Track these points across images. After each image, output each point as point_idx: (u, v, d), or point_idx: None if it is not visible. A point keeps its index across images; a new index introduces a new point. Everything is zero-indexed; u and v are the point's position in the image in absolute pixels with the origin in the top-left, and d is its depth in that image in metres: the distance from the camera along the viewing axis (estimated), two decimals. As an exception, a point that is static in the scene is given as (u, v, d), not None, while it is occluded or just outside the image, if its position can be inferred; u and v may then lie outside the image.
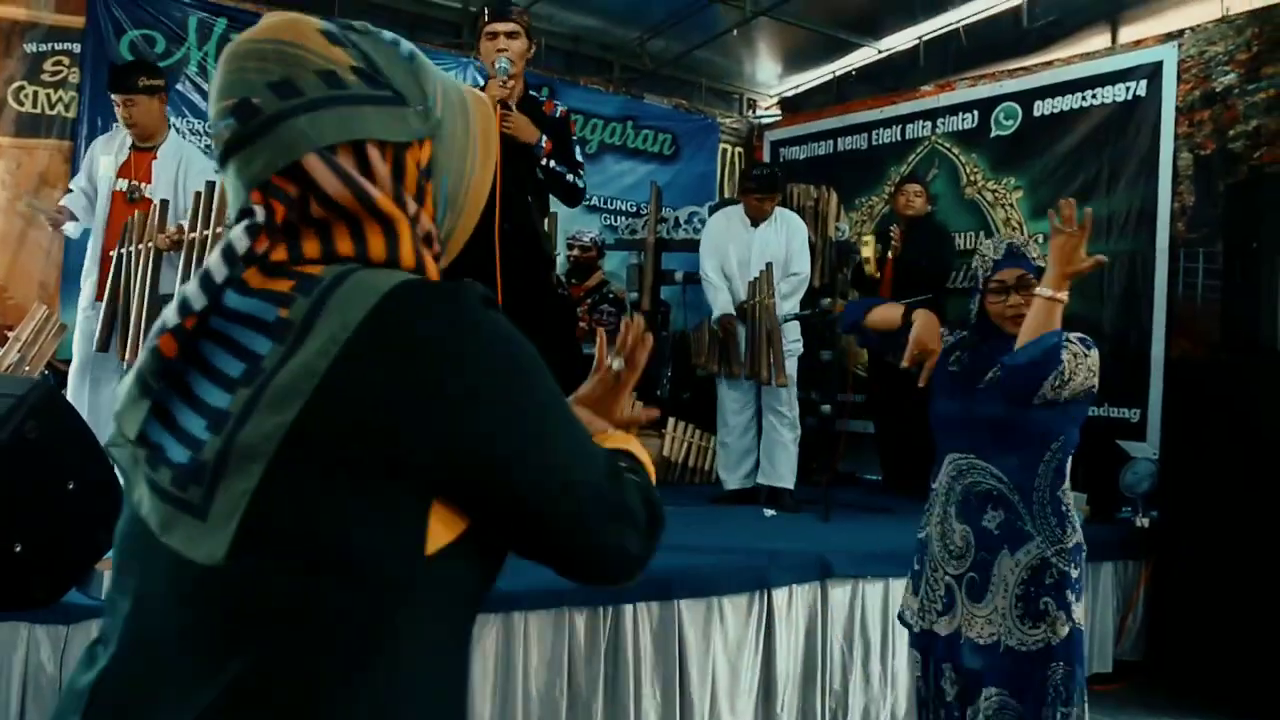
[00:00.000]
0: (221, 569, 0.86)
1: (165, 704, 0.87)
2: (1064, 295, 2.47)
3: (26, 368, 5.38)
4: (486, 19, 3.97)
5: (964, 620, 2.64)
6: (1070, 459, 2.65)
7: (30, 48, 6.08)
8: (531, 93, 4.13)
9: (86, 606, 2.61)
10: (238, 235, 0.96)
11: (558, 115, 4.10)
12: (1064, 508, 2.61)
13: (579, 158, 4.11)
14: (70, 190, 4.87)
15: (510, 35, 3.93)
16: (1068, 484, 2.65)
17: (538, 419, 0.96)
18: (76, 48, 6.19)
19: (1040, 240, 5.25)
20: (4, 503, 2.17)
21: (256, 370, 0.89)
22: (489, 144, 1.12)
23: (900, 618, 2.86)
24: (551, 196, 4.19)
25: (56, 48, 6.16)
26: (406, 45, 1.05)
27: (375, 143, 0.98)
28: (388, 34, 1.05)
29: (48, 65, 6.13)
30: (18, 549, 2.18)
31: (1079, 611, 2.60)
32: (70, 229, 4.88)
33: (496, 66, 3.87)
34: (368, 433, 0.87)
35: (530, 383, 0.96)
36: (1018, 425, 2.57)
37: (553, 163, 3.97)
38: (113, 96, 4.61)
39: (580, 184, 4.11)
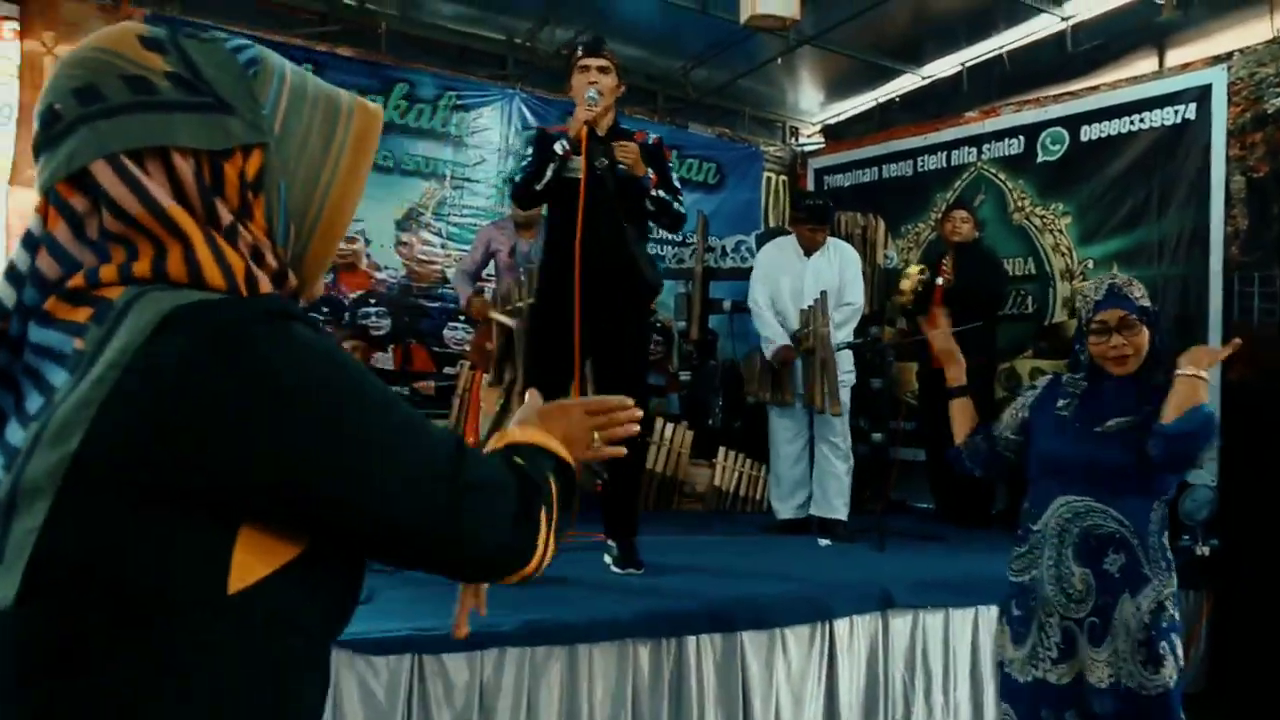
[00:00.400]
0: (12, 613, 0.82)
1: None
2: (1206, 374, 2.52)
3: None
4: (580, 54, 4.08)
5: (1086, 665, 2.61)
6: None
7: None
8: (623, 126, 4.19)
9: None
10: (17, 252, 0.93)
11: (651, 143, 4.15)
12: (1168, 552, 2.63)
13: (675, 183, 4.16)
14: None
15: (601, 70, 4.03)
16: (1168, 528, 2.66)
17: (337, 426, 0.90)
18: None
19: (1096, 266, 5.22)
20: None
21: (49, 405, 0.86)
22: (361, 157, 1.07)
23: (1002, 667, 2.82)
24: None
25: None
26: (252, 53, 1.01)
27: (183, 151, 0.93)
28: (236, 41, 1.02)
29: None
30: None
31: (1181, 653, 2.61)
32: None
33: (586, 96, 3.96)
34: (147, 463, 0.83)
35: (326, 389, 0.91)
36: (1140, 473, 2.57)
37: (660, 192, 4.03)
38: None
39: (682, 210, 4.16)
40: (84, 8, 6.21)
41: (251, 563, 0.88)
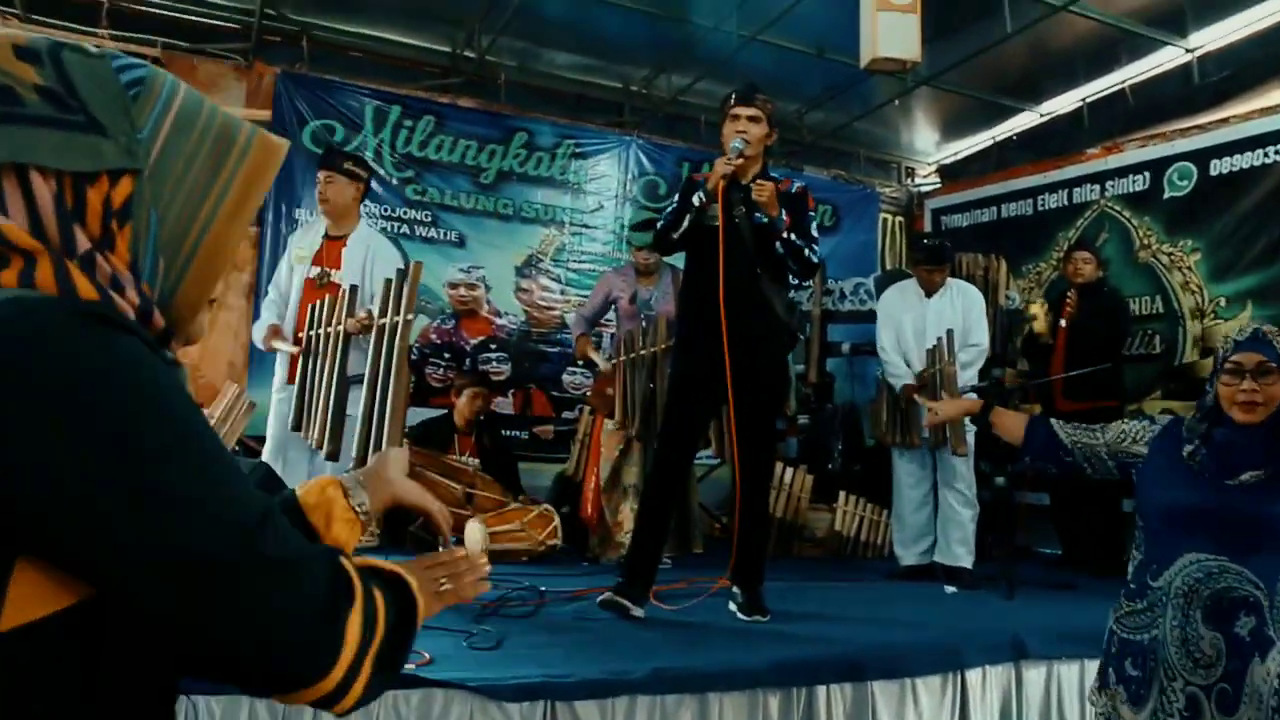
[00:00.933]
0: None
1: None
2: None
3: (221, 446, 5.64)
4: (732, 103, 4.09)
5: None
6: None
7: (222, 142, 6.43)
8: (772, 174, 4.21)
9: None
10: None
11: (795, 191, 4.17)
12: None
13: (814, 232, 4.18)
14: (269, 292, 5.08)
15: (752, 119, 4.04)
16: None
17: (123, 459, 0.79)
18: (263, 140, 6.52)
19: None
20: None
21: None
22: (250, 193, 0.99)
23: None
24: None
25: (245, 141, 6.50)
26: (139, 73, 0.94)
27: (44, 170, 0.87)
28: (125, 60, 0.95)
29: (237, 157, 6.46)
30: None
31: None
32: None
33: (731, 146, 3.99)
34: None
35: (124, 413, 0.80)
36: (1271, 531, 2.43)
37: (792, 236, 4.04)
38: (322, 175, 4.81)
39: (815, 258, 4.17)
40: (220, 68, 6.51)
41: (29, 600, 0.79)
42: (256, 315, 5.44)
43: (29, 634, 0.79)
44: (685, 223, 4.03)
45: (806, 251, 4.08)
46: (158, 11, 6.50)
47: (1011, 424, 3.03)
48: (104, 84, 0.91)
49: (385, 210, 6.87)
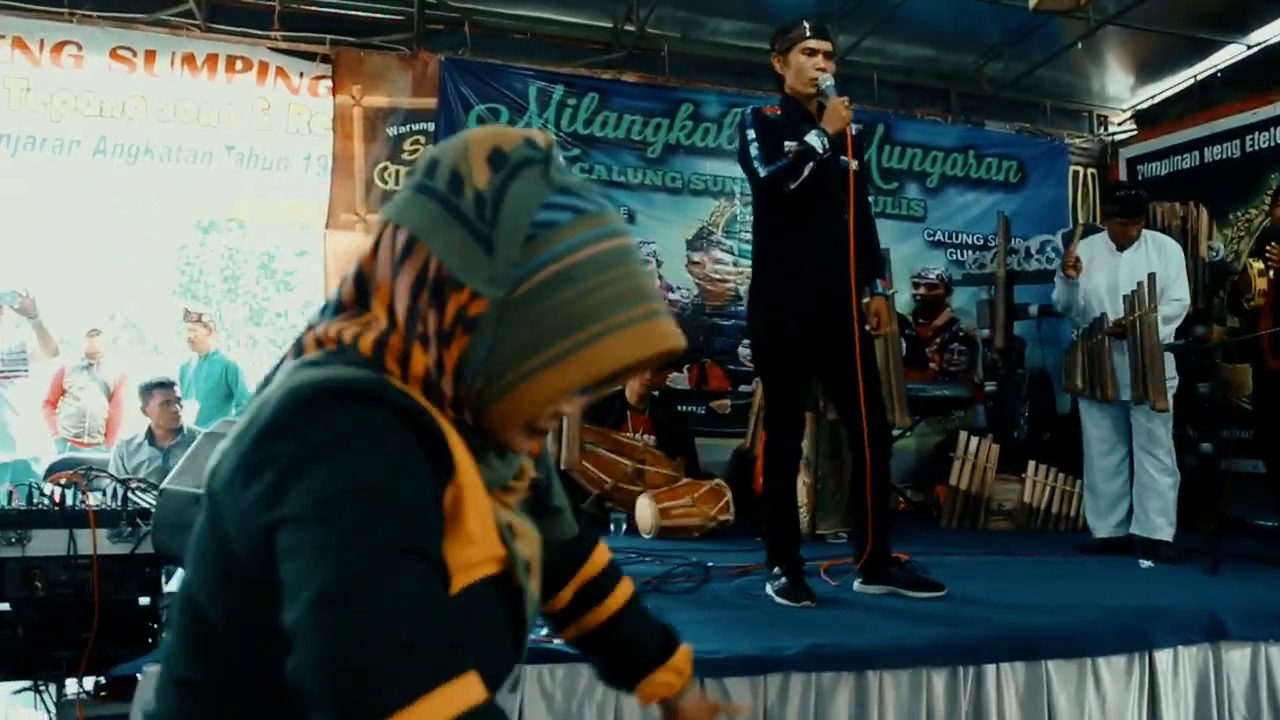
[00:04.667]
0: None
1: None
2: None
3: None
4: (808, 33, 3.79)
5: None
6: None
7: (391, 130, 6.65)
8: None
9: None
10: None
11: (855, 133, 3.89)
12: None
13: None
14: None
15: (828, 55, 3.81)
16: None
17: (305, 497, 0.86)
18: (430, 126, 6.69)
19: None
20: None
21: None
22: (581, 373, 0.98)
23: None
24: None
25: (414, 128, 6.70)
26: (556, 216, 0.99)
27: (435, 257, 0.97)
28: (569, 198, 1.01)
29: (406, 145, 6.68)
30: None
31: None
32: None
33: (822, 82, 3.74)
34: (233, 492, 0.93)
35: (336, 470, 0.87)
36: None
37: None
38: None
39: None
40: (386, 59, 6.68)
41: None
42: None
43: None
44: (806, 171, 3.64)
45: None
46: (326, 10, 6.72)
47: None
48: (521, 213, 0.98)
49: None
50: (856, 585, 3.86)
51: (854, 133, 3.80)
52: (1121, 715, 3.23)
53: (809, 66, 3.77)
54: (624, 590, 1.45)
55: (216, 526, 0.95)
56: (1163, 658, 3.31)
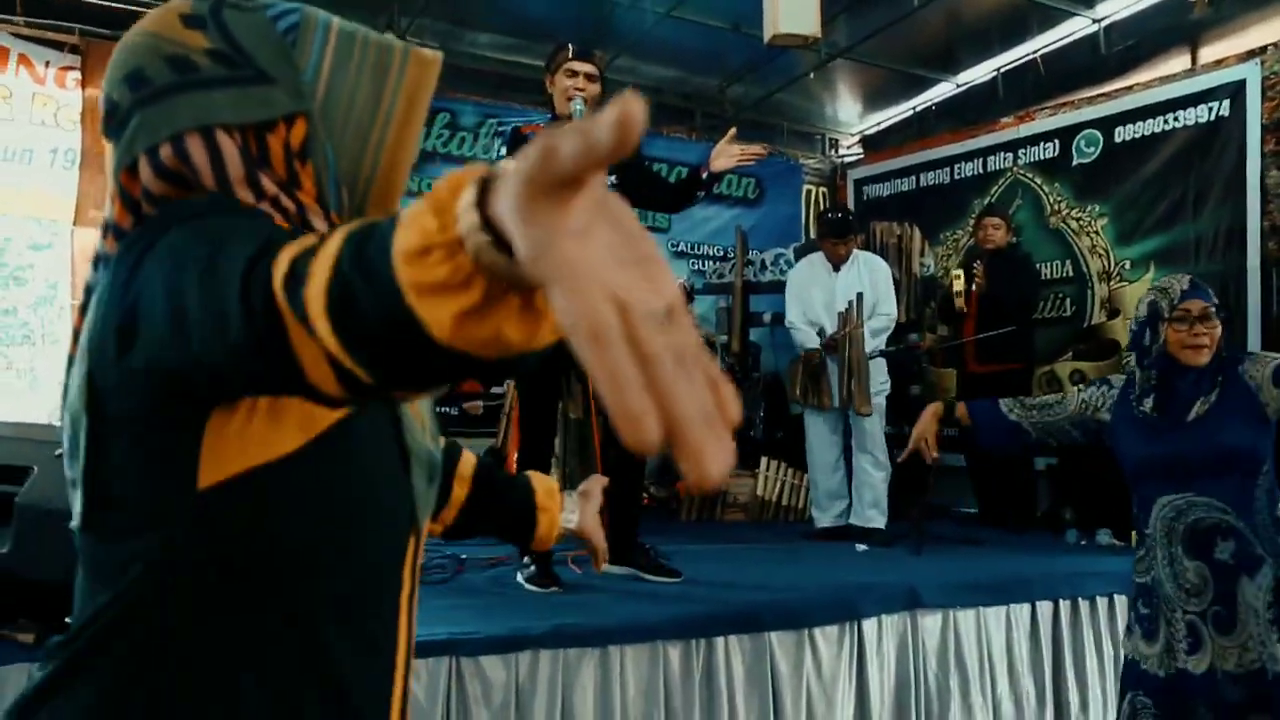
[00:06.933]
0: None
1: None
2: None
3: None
4: (570, 55, 3.93)
5: (1216, 655, 2.64)
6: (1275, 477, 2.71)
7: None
8: None
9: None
10: (96, 241, 0.96)
11: None
12: None
13: (655, 169, 4.20)
14: None
15: (590, 78, 3.93)
16: None
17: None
18: (187, 125, 6.51)
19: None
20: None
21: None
22: (413, 111, 1.02)
23: (1136, 668, 2.82)
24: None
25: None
26: (292, 19, 1.00)
27: (225, 127, 0.93)
28: (278, 7, 1.00)
29: (161, 144, 6.45)
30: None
31: None
32: None
33: (573, 107, 3.86)
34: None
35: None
36: (1230, 455, 2.64)
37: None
38: None
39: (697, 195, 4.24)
40: (141, 54, 6.46)
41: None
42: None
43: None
44: None
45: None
46: (77, -1, 6.43)
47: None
48: (265, 35, 0.97)
49: (309, 192, 6.90)
50: (606, 566, 4.11)
51: None
52: (835, 677, 3.63)
53: (569, 88, 3.91)
54: (468, 457, 1.45)
55: (97, 426, 0.88)
56: (869, 625, 3.72)
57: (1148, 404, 2.76)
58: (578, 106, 3.87)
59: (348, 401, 0.71)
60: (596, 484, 1.61)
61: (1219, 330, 2.69)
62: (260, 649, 0.92)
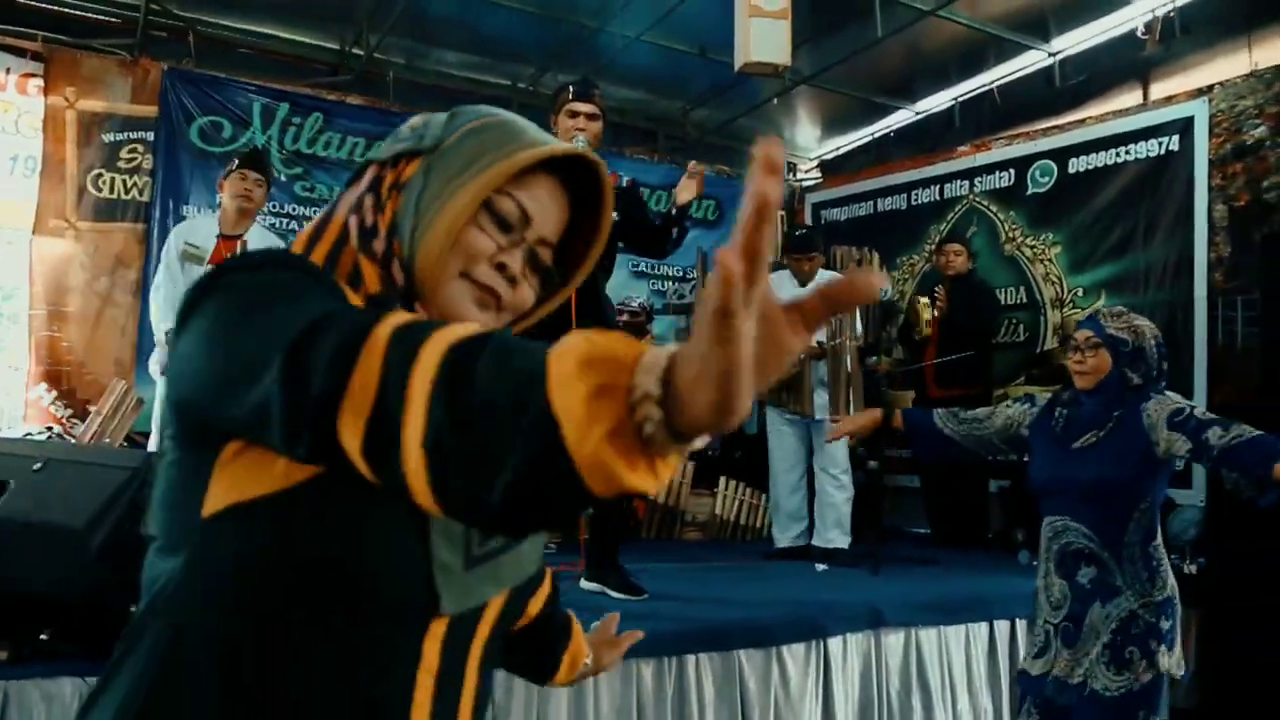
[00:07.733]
0: None
1: None
2: None
3: (108, 440, 5.64)
4: (570, 96, 4.07)
5: (1055, 661, 2.88)
6: (1158, 515, 2.87)
7: (107, 137, 6.42)
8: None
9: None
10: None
11: (625, 185, 4.26)
12: (1154, 563, 2.82)
13: (651, 216, 4.34)
14: (162, 289, 4.91)
15: (591, 117, 4.05)
16: (1159, 539, 2.86)
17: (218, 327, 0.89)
18: (150, 135, 6.54)
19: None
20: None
21: None
22: (500, 172, 1.03)
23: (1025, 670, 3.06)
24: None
25: (131, 136, 6.50)
26: (480, 107, 1.12)
27: (375, 162, 1.08)
28: (472, 109, 1.11)
29: (123, 153, 6.47)
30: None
31: (1166, 660, 2.77)
32: None
33: (576, 144, 4.00)
34: None
35: (230, 301, 0.90)
36: (1102, 487, 2.81)
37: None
38: (251, 176, 4.75)
39: (673, 236, 4.30)
40: (104, 63, 6.46)
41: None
42: (144, 311, 5.43)
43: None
44: None
45: (668, 234, 4.25)
46: (40, 5, 6.39)
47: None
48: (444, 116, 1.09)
49: (274, 207, 6.83)
50: (582, 583, 4.18)
51: (622, 185, 4.20)
52: (802, 694, 3.70)
53: (571, 128, 4.02)
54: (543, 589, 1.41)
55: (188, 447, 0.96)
56: (834, 644, 3.81)
57: (1056, 422, 2.96)
58: (580, 141, 3.95)
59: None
60: (612, 623, 1.69)
61: (1102, 358, 2.84)
62: (259, 681, 0.92)
